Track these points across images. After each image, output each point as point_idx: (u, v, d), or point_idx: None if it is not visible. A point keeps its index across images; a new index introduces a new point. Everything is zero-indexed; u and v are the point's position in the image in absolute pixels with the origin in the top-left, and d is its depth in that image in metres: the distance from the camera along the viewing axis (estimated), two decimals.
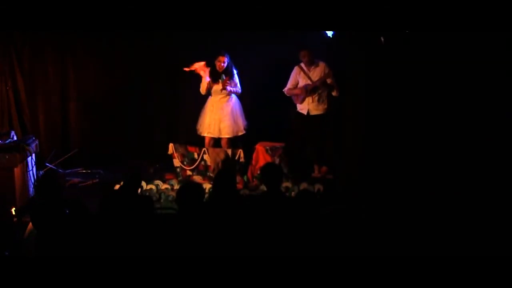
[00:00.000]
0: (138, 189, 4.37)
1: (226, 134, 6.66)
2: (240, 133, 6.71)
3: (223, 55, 6.53)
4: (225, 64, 6.54)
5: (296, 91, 6.62)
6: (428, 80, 6.11)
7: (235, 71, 6.63)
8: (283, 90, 6.71)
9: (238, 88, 6.65)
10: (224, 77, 6.53)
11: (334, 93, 6.59)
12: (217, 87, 6.61)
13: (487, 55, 5.82)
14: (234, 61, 6.62)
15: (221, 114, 6.64)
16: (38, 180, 5.70)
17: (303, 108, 6.66)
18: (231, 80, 6.58)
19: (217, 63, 6.56)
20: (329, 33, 6.51)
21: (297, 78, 6.64)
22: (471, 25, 5.45)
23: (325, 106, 6.63)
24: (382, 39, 6.11)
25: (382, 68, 6.21)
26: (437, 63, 6.06)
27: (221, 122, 6.64)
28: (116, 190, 5.67)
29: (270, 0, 5.65)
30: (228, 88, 6.56)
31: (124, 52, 7.32)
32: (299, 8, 5.64)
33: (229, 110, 6.65)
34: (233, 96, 6.68)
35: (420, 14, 5.52)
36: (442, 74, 6.07)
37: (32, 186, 5.74)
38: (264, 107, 7.14)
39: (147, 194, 6.06)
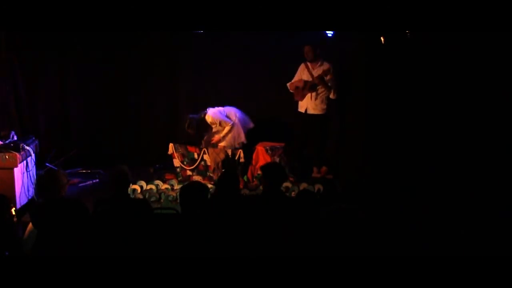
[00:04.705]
0: (126, 190, 4.34)
1: (225, 144, 6.60)
2: (237, 145, 6.61)
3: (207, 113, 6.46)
4: (215, 117, 6.47)
5: (297, 84, 6.58)
6: (428, 80, 6.13)
7: (220, 115, 6.51)
8: (287, 84, 6.67)
9: (229, 120, 6.54)
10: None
11: (331, 96, 6.55)
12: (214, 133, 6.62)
13: (487, 55, 5.83)
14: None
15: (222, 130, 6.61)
16: (38, 179, 5.70)
17: (302, 105, 6.63)
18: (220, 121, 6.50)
19: (207, 119, 6.48)
20: (329, 33, 6.51)
21: (301, 75, 6.60)
22: (471, 25, 5.45)
23: (324, 107, 6.58)
24: (383, 39, 6.12)
25: (382, 68, 6.22)
26: (437, 63, 6.07)
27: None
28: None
29: (270, 0, 5.66)
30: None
31: (125, 52, 7.31)
32: (299, 8, 5.64)
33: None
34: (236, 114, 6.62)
35: (420, 14, 5.53)
36: (442, 74, 6.09)
37: (32, 186, 5.74)
38: (264, 107, 7.13)
39: (147, 194, 6.07)
